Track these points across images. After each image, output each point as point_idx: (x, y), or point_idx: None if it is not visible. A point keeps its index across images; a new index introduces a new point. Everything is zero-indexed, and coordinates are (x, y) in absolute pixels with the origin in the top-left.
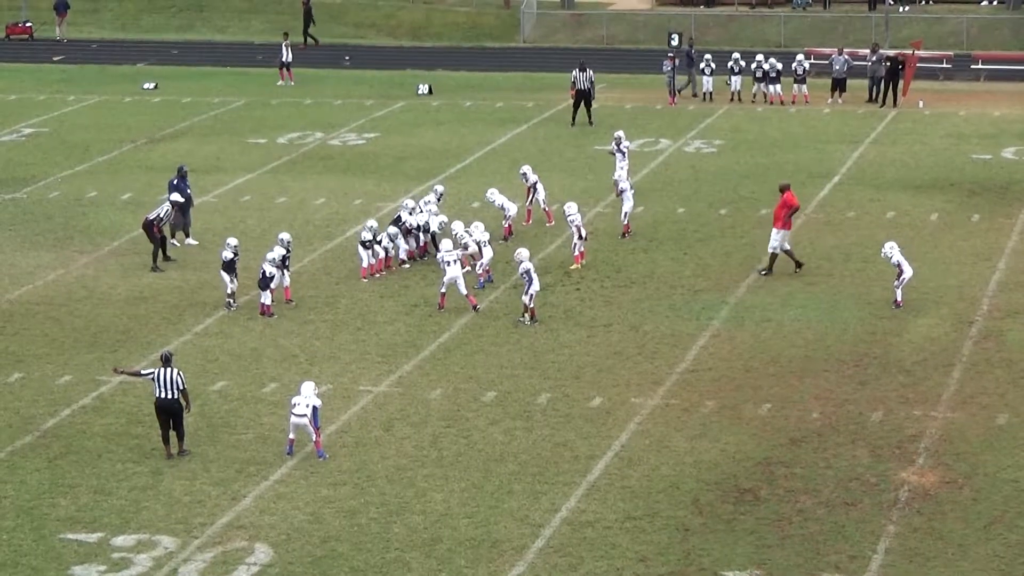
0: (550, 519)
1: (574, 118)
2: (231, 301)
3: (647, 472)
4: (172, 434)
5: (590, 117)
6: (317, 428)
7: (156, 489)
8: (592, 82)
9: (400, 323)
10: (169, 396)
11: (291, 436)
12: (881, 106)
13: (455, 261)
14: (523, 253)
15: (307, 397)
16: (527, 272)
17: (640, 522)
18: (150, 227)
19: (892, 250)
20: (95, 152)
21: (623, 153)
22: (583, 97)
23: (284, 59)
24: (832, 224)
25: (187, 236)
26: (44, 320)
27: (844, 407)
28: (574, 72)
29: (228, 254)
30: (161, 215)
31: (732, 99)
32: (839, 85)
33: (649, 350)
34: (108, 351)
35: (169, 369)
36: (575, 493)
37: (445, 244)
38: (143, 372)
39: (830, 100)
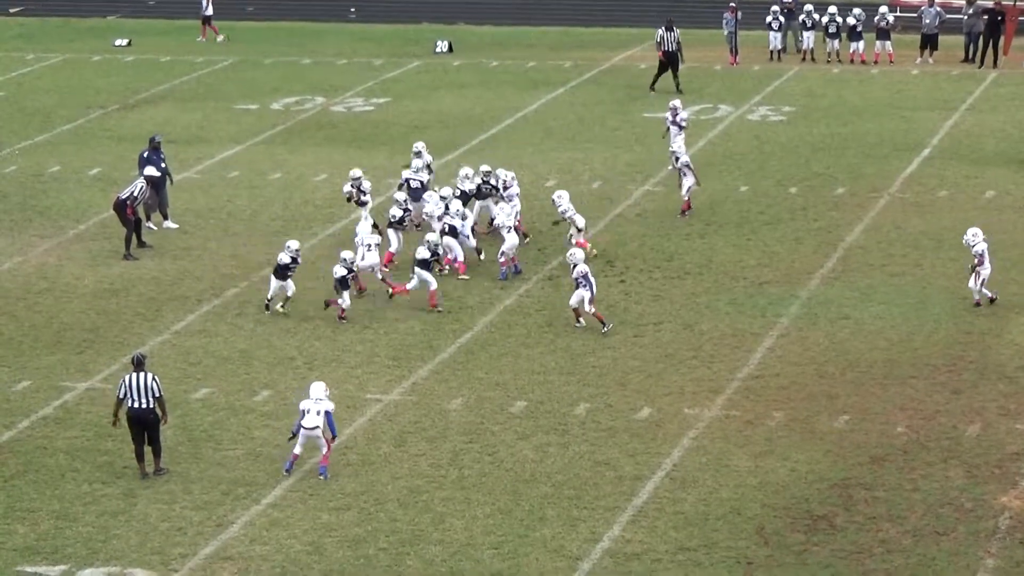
0: (590, 550)
1: (654, 82)
2: (279, 305)
3: (703, 496)
4: (147, 449)
5: (677, 83)
6: (333, 437)
7: (128, 514)
8: (680, 43)
9: (414, 321)
10: (143, 405)
11: (296, 451)
12: (979, 67)
13: (375, 246)
14: (577, 254)
15: (318, 402)
16: (584, 276)
17: (695, 554)
18: (122, 208)
19: (976, 237)
20: (58, 120)
21: (679, 127)
22: (671, 60)
23: (204, 11)
24: (921, 205)
25: (165, 218)
26: None
27: (934, 420)
28: (659, 31)
29: (285, 258)
30: (135, 193)
31: (804, 58)
32: (930, 42)
33: (706, 353)
34: (73, 352)
35: (143, 374)
36: (619, 520)
37: (363, 227)
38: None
39: (919, 59)
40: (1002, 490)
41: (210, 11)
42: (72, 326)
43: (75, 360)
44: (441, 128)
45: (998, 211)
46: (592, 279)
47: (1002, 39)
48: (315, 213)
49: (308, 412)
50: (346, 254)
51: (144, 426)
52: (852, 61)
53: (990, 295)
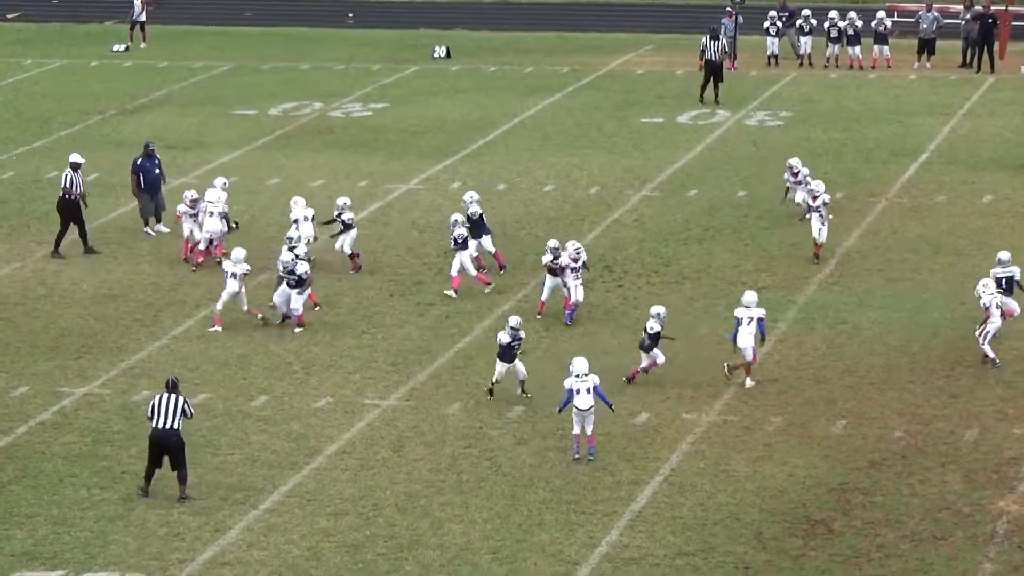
0: (588, 555)
1: (703, 93)
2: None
3: (702, 500)
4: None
5: (716, 95)
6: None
7: (127, 519)
8: (725, 53)
9: (412, 326)
10: (167, 426)
11: (576, 431)
12: (977, 72)
13: (239, 276)
14: (748, 296)
15: (584, 379)
16: (755, 320)
17: (693, 559)
18: (76, 206)
19: (985, 289)
20: (56, 125)
21: (802, 184)
22: (713, 70)
23: (135, 16)
24: (919, 210)
25: (158, 221)
26: None
27: (932, 425)
28: (703, 39)
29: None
30: (65, 185)
31: (801, 63)
32: (927, 47)
33: (704, 358)
34: (71, 358)
35: (172, 395)
36: (617, 525)
37: (236, 253)
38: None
39: (917, 64)
40: (1000, 495)
41: (142, 17)
42: (70, 331)
43: (73, 365)
44: (439, 133)
45: (996, 216)
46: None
47: (996, 44)
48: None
49: (579, 392)
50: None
51: (165, 449)
52: (851, 66)
53: (991, 355)
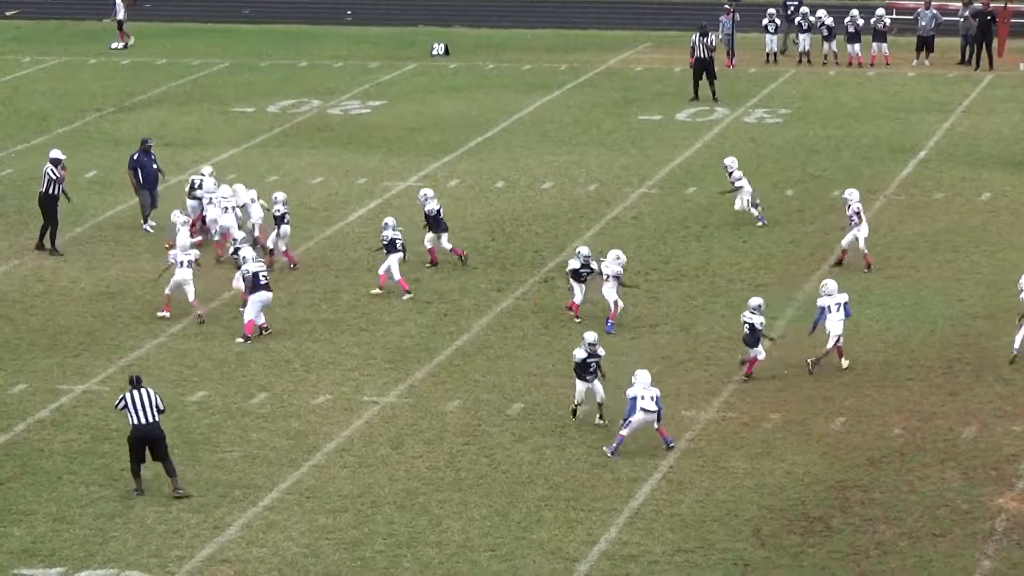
0: (587, 552)
1: (696, 91)
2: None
3: (700, 497)
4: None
5: (714, 92)
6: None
7: (125, 517)
8: (713, 49)
9: (411, 323)
10: (149, 420)
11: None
12: (975, 69)
13: (189, 264)
14: (830, 285)
15: (647, 388)
16: (842, 305)
17: (692, 555)
18: (52, 200)
19: None
20: (54, 123)
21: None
22: (703, 67)
23: (117, 16)
24: (917, 207)
25: (145, 220)
26: None
27: (931, 422)
28: (693, 37)
29: (575, 263)
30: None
31: (800, 60)
32: (926, 44)
33: (702, 355)
34: (69, 355)
35: (143, 390)
36: (616, 522)
37: (183, 241)
38: (116, 405)
39: (915, 62)
40: (998, 492)
41: (123, 16)
42: (69, 329)
43: (72, 363)
44: (437, 131)
45: (994, 213)
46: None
47: (995, 41)
48: (311, 216)
49: (643, 398)
50: (582, 249)
51: (150, 443)
52: (849, 64)
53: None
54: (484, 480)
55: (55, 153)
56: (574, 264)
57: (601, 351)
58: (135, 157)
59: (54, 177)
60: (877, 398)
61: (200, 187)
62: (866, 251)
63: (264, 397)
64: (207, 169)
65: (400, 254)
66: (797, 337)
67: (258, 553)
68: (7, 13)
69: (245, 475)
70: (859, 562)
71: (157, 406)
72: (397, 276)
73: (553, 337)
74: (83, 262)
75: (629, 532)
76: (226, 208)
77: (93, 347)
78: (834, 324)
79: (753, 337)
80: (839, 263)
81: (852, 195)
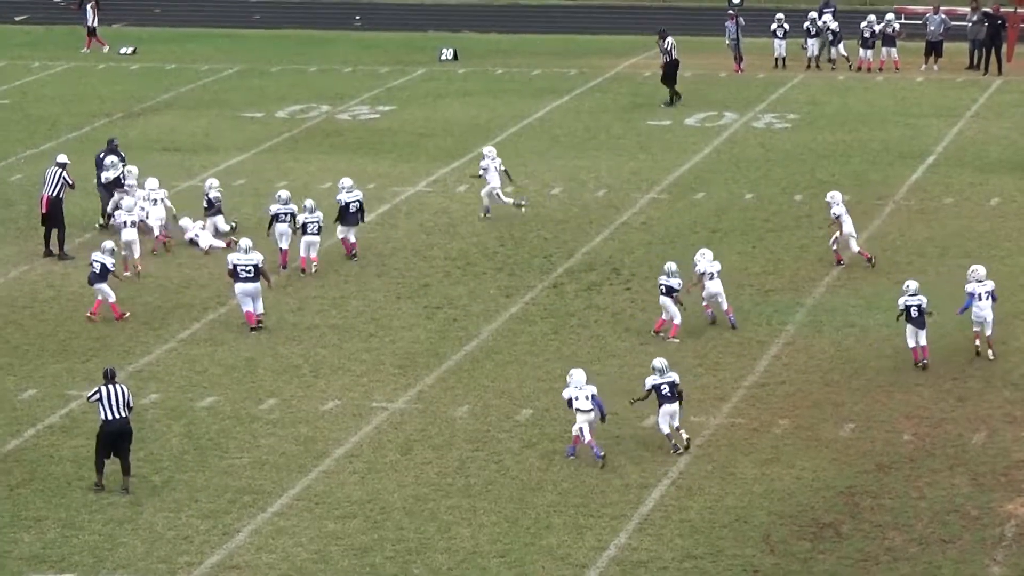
0: (596, 558)
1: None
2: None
3: (709, 503)
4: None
5: (672, 96)
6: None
7: (135, 523)
8: (666, 52)
9: (420, 329)
10: (119, 416)
11: (575, 433)
12: (984, 74)
13: (133, 224)
14: (980, 271)
15: (581, 388)
16: (990, 292)
17: (702, 562)
18: (58, 205)
19: None
20: (63, 128)
21: (485, 170)
22: (666, 71)
23: (90, 23)
24: (926, 212)
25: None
26: (3, 325)
27: (940, 427)
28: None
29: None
30: (54, 183)
31: (808, 65)
32: (934, 49)
33: (711, 360)
34: (79, 360)
35: (116, 386)
36: (625, 528)
37: (127, 202)
38: (89, 396)
39: (924, 67)
40: (1008, 498)
41: (95, 23)
42: (78, 334)
43: (81, 368)
44: (446, 136)
45: (1003, 218)
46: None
47: (1004, 46)
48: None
49: (577, 399)
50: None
51: (119, 438)
52: (859, 68)
53: None
54: (493, 486)
55: (62, 158)
56: (672, 281)
57: (673, 376)
58: (100, 156)
59: (69, 182)
60: (886, 404)
61: (125, 181)
62: (858, 249)
63: (273, 403)
64: (134, 169)
65: (315, 237)
66: (805, 342)
67: (267, 559)
68: (16, 18)
69: (254, 481)
70: (869, 568)
71: (128, 403)
72: (303, 254)
73: (562, 343)
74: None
75: (638, 538)
76: (155, 200)
77: (103, 353)
78: (987, 310)
79: (921, 318)
80: (839, 263)
81: (834, 197)
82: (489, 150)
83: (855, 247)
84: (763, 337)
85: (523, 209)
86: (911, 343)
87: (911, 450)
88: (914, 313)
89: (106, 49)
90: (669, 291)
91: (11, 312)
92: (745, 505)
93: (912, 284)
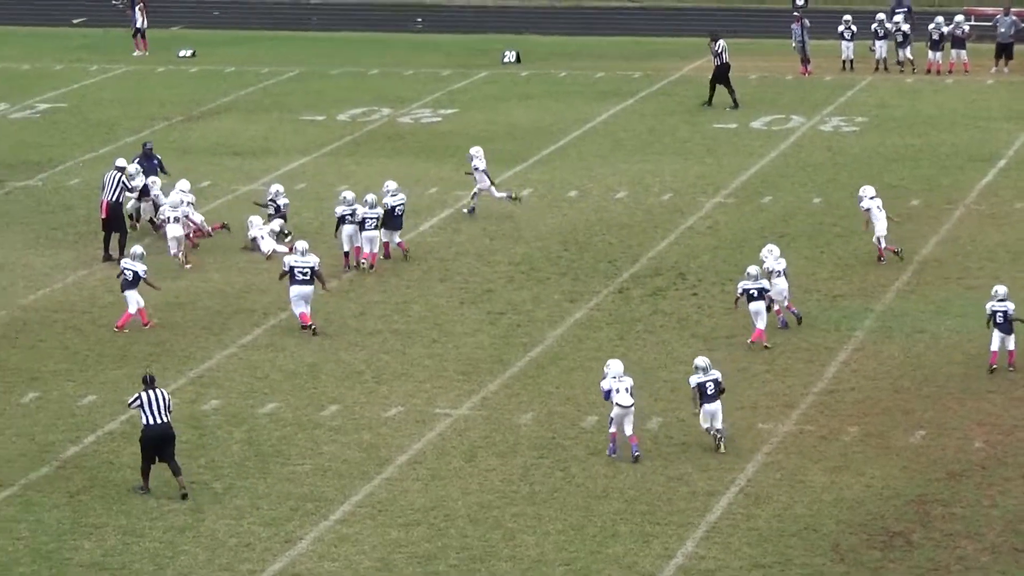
0: (663, 567)
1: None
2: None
3: (778, 511)
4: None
5: (711, 97)
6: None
7: (196, 530)
8: (716, 54)
9: (483, 334)
10: (161, 420)
11: (612, 430)
12: None
13: (175, 220)
14: (1001, 290)
15: (622, 379)
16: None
17: (770, 571)
18: (118, 208)
19: None
20: (122, 131)
21: (477, 169)
22: (716, 73)
23: (138, 24)
24: (997, 217)
25: (137, 222)
26: (63, 330)
27: (1013, 435)
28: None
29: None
30: (113, 186)
31: (876, 68)
32: (1005, 51)
33: (780, 367)
34: (139, 366)
35: (157, 390)
36: (692, 536)
37: (173, 198)
38: (130, 403)
39: (994, 69)
40: None
41: (144, 23)
42: (138, 340)
43: (141, 374)
44: (509, 139)
45: None
46: None
47: None
48: None
49: (619, 391)
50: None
51: (163, 443)
52: (928, 71)
53: None
54: (558, 494)
55: (120, 162)
56: (756, 285)
57: (715, 374)
58: (136, 161)
59: (128, 186)
60: (958, 411)
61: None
62: (883, 244)
63: (335, 409)
64: (133, 167)
65: (374, 232)
66: (875, 348)
67: (330, 567)
68: (74, 21)
69: (316, 488)
70: None
71: (168, 407)
72: (365, 250)
73: (628, 349)
74: (152, 272)
75: (706, 546)
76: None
77: (163, 358)
78: None
79: (1007, 324)
80: (880, 259)
81: (866, 191)
82: (476, 150)
83: (881, 242)
84: (832, 343)
85: (518, 200)
86: (994, 347)
87: (983, 458)
88: (999, 319)
89: (136, 54)
90: (761, 293)
91: (71, 317)
92: (814, 513)
93: (1000, 289)
